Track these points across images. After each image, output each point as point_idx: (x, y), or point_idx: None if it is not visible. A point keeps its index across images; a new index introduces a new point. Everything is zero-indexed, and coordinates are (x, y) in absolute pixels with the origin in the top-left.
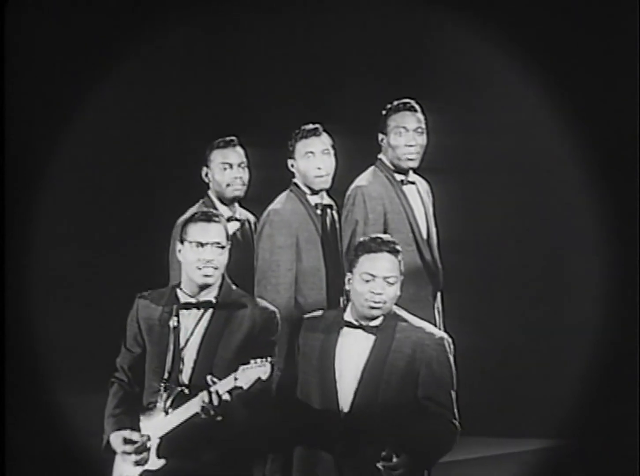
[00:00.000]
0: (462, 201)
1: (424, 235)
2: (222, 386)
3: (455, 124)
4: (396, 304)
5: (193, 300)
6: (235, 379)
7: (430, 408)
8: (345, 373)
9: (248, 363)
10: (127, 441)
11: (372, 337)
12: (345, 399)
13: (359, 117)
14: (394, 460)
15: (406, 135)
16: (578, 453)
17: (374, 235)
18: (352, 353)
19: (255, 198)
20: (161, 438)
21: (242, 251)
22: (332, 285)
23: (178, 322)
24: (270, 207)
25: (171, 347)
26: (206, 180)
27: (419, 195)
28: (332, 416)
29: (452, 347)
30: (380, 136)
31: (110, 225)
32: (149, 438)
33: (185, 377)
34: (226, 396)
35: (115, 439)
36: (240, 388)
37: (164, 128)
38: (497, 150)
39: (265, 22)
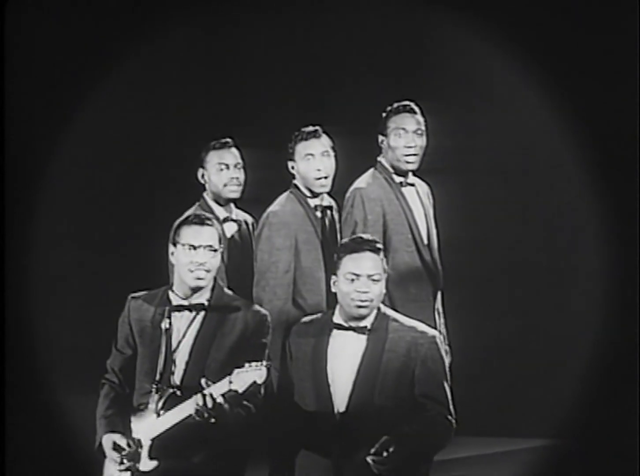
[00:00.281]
0: (462, 202)
1: (424, 236)
2: (217, 390)
3: (455, 125)
4: (396, 305)
5: (185, 303)
6: (230, 382)
7: (427, 406)
8: (340, 375)
9: (243, 366)
10: (116, 447)
11: (363, 338)
12: (341, 400)
13: (359, 118)
14: (384, 454)
15: (406, 136)
16: (578, 453)
17: (354, 236)
18: (345, 355)
19: (252, 199)
20: (153, 439)
21: (241, 252)
22: (331, 287)
23: (170, 324)
24: (270, 208)
25: (163, 348)
26: (202, 182)
27: (418, 197)
28: (328, 418)
29: (444, 344)
30: (380, 138)
31: (110, 225)
32: (140, 445)
33: (177, 379)
34: (220, 400)
35: (107, 441)
36: (236, 391)
37: (164, 128)
38: (497, 150)
39: (265, 22)
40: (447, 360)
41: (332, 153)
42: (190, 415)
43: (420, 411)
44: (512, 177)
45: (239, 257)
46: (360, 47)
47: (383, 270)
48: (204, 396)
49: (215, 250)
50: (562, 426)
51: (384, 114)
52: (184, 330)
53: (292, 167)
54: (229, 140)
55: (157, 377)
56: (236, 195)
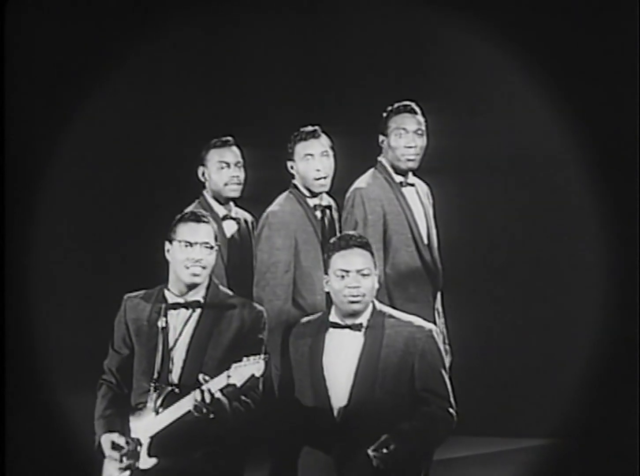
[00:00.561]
0: (462, 202)
1: (424, 236)
2: (215, 385)
3: (455, 125)
4: (396, 304)
5: (181, 300)
6: (228, 377)
7: (428, 400)
8: (339, 373)
9: (240, 360)
10: (115, 446)
11: (360, 335)
12: (341, 398)
13: (359, 118)
14: (384, 450)
15: (406, 136)
16: (578, 453)
17: (342, 234)
18: (342, 353)
19: (252, 198)
20: (152, 437)
21: (240, 252)
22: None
23: (166, 322)
24: (269, 208)
25: (160, 347)
26: (202, 180)
27: (418, 197)
28: (326, 415)
29: (440, 337)
30: (381, 138)
31: (110, 225)
32: (138, 443)
33: (175, 377)
34: (219, 395)
35: (106, 441)
36: (234, 385)
37: (164, 128)
38: (497, 150)
39: (265, 22)
40: (446, 358)
41: (331, 153)
42: (189, 411)
43: (421, 407)
44: (512, 177)
45: (238, 256)
46: (360, 47)
47: (374, 265)
48: (202, 391)
49: (211, 248)
50: (562, 426)
51: (384, 114)
52: (180, 328)
53: (292, 167)
54: (229, 138)
55: (155, 376)
56: (236, 194)
